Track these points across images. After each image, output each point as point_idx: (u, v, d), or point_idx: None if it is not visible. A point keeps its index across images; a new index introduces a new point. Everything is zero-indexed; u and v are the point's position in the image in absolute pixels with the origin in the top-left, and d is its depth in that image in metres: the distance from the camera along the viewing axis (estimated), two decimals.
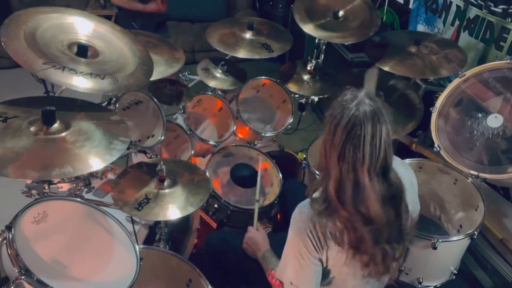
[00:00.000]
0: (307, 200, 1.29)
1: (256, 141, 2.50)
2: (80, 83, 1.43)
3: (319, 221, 1.22)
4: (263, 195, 2.16)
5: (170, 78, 2.22)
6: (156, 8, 3.10)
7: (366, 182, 1.16)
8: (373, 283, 1.38)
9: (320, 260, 1.29)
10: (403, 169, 1.38)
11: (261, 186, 2.08)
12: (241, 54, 2.24)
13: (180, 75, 2.55)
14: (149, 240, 1.91)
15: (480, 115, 1.97)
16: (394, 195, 1.21)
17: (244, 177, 2.18)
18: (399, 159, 1.41)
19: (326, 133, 1.19)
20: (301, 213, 1.28)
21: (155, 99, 2.08)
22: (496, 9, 2.38)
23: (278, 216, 2.19)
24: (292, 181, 2.27)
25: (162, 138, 2.04)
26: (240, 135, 2.48)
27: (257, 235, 1.71)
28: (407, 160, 2.10)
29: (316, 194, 1.28)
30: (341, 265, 1.29)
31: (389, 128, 1.16)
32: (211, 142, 2.36)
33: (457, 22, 2.70)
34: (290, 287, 1.36)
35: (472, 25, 2.57)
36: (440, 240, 1.75)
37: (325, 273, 1.34)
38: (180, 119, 2.44)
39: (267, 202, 2.09)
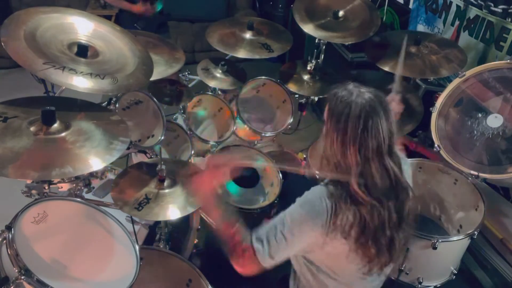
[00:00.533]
0: (325, 191, 1.25)
1: (256, 141, 2.50)
2: (80, 83, 1.43)
3: (338, 212, 1.21)
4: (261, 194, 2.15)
5: (170, 78, 2.23)
6: (144, 9, 3.07)
7: (388, 163, 1.19)
8: (375, 275, 1.38)
9: (314, 248, 1.28)
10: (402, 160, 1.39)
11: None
12: (241, 54, 2.24)
13: (180, 75, 2.55)
14: (149, 240, 1.91)
15: (480, 115, 1.97)
16: (399, 175, 1.24)
17: (244, 177, 2.18)
18: None
19: (337, 132, 1.20)
20: (322, 199, 1.23)
21: (155, 99, 2.08)
22: (496, 9, 2.38)
23: None
24: (292, 177, 2.27)
25: (162, 138, 2.04)
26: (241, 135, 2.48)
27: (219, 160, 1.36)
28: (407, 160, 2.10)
29: (331, 188, 1.25)
30: (343, 257, 1.29)
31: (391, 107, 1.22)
32: (211, 142, 2.36)
33: (457, 22, 2.70)
34: (264, 257, 1.25)
35: (472, 25, 2.57)
36: (440, 240, 1.75)
37: (328, 263, 1.34)
38: (180, 119, 2.44)
39: (267, 202, 2.09)
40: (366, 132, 1.16)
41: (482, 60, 2.50)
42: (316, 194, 1.26)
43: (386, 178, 1.21)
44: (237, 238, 1.28)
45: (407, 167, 1.42)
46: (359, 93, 1.20)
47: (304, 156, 2.32)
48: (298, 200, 1.28)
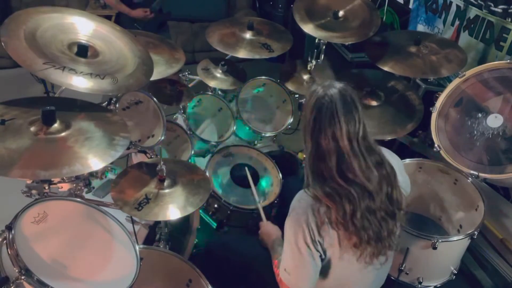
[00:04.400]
0: (303, 192, 1.33)
1: (256, 141, 2.50)
2: (80, 83, 1.43)
3: (318, 207, 1.26)
4: (261, 194, 2.16)
5: (170, 78, 2.22)
6: (143, 15, 3.08)
7: (348, 148, 1.24)
8: (372, 271, 1.39)
9: (319, 250, 1.31)
10: (387, 154, 1.41)
11: (256, 188, 2.09)
12: (241, 54, 2.24)
13: (180, 75, 2.55)
14: (149, 240, 1.91)
15: (480, 115, 1.97)
16: (378, 162, 1.29)
17: (244, 177, 2.18)
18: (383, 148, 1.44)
19: (302, 118, 1.32)
20: (300, 200, 1.32)
21: (155, 99, 2.08)
22: (496, 9, 2.38)
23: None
24: (293, 177, 2.27)
25: (162, 138, 2.04)
26: None
27: (268, 227, 1.77)
28: (407, 160, 2.10)
29: (310, 182, 1.32)
30: (338, 252, 1.31)
31: (359, 104, 1.27)
32: (211, 142, 2.36)
33: (457, 22, 2.70)
34: (283, 274, 1.38)
35: (472, 25, 2.57)
36: (440, 240, 1.75)
37: (325, 264, 1.35)
38: (180, 119, 2.44)
39: (267, 202, 2.09)
40: (322, 121, 1.24)
41: (482, 60, 2.50)
42: (295, 198, 1.35)
43: (363, 158, 1.25)
44: (276, 271, 1.47)
45: (396, 161, 1.45)
46: (327, 86, 1.27)
47: (304, 156, 2.32)
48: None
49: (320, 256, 1.32)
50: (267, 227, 1.78)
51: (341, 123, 1.22)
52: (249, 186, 2.12)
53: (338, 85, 1.28)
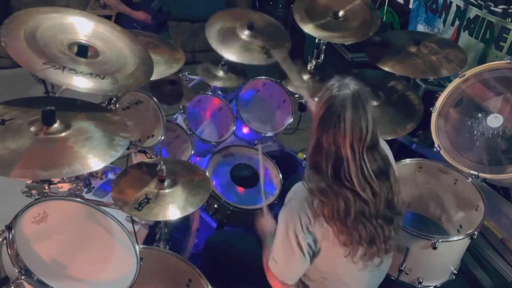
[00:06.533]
0: (301, 185, 1.33)
1: (256, 141, 2.50)
2: (80, 83, 1.43)
3: (312, 201, 1.26)
4: (270, 190, 2.15)
5: (170, 78, 2.22)
6: (144, 17, 3.09)
7: (349, 156, 1.22)
8: (366, 272, 1.39)
9: (309, 243, 1.31)
10: (383, 144, 1.41)
11: (264, 183, 2.08)
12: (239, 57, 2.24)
13: (180, 75, 2.55)
14: (149, 240, 1.91)
15: (480, 115, 1.97)
16: (383, 170, 1.28)
17: (244, 177, 2.19)
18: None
19: (318, 118, 1.27)
20: (297, 192, 1.32)
21: (155, 99, 2.08)
22: (496, 9, 2.39)
23: None
24: (293, 177, 2.27)
25: (162, 138, 2.04)
26: None
27: (265, 219, 1.70)
28: (407, 160, 2.11)
29: (309, 178, 1.32)
30: (328, 246, 1.31)
31: (372, 107, 1.24)
32: (212, 142, 2.36)
33: (457, 22, 2.70)
34: (272, 262, 1.38)
35: (472, 25, 2.57)
36: (440, 240, 1.75)
37: (315, 256, 1.35)
38: (180, 119, 2.44)
39: (267, 203, 2.09)
40: (329, 119, 1.21)
41: (482, 60, 2.50)
42: (292, 190, 1.35)
43: (363, 168, 1.23)
44: (265, 260, 1.46)
45: (388, 151, 1.44)
46: (342, 85, 1.23)
47: (304, 156, 2.32)
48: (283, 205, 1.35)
49: (311, 248, 1.32)
50: (264, 220, 1.70)
51: (346, 130, 1.19)
52: (249, 187, 2.12)
53: (353, 86, 1.23)
